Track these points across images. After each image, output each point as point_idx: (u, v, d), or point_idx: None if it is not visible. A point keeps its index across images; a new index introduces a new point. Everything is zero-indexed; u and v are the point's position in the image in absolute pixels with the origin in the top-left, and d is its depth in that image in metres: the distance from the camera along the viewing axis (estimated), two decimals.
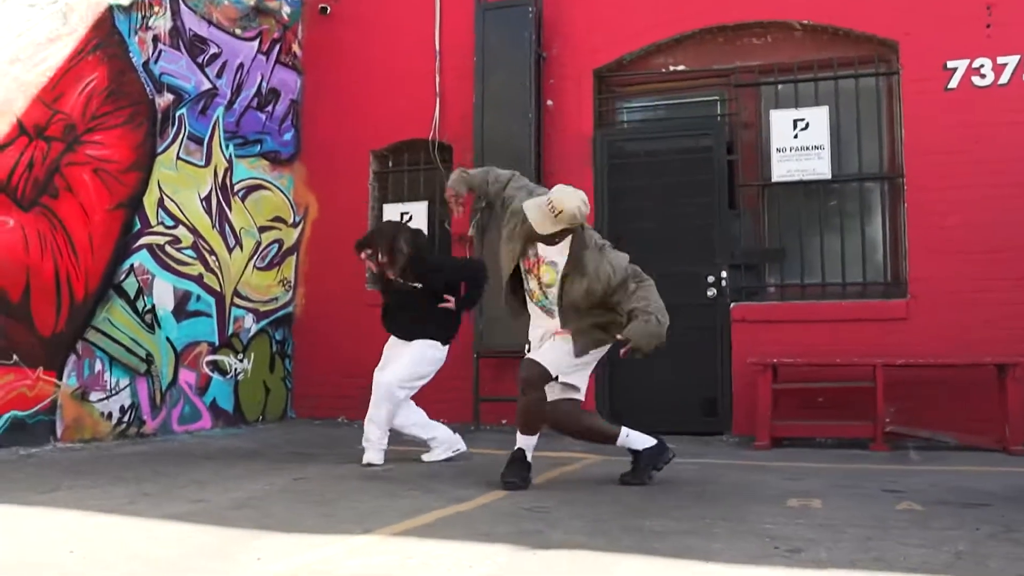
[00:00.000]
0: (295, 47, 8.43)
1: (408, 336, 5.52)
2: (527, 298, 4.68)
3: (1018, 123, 6.47)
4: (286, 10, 8.19)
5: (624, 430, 4.68)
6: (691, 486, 4.66)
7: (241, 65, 7.77)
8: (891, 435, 6.18)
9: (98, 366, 6.43)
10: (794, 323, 6.88)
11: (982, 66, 6.59)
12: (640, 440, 4.69)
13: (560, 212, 4.26)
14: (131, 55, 6.69)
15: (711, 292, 7.08)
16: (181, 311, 7.13)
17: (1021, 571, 2.89)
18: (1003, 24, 6.58)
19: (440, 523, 3.66)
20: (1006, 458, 5.82)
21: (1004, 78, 6.52)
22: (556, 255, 4.47)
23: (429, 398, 7.68)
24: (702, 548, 3.17)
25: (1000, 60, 6.55)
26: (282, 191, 8.27)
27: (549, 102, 7.69)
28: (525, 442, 4.59)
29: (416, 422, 5.58)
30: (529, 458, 4.60)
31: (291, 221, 8.34)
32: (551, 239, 4.39)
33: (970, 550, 3.16)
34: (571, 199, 4.28)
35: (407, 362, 5.42)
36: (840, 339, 6.69)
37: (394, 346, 5.61)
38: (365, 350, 7.67)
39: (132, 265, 6.71)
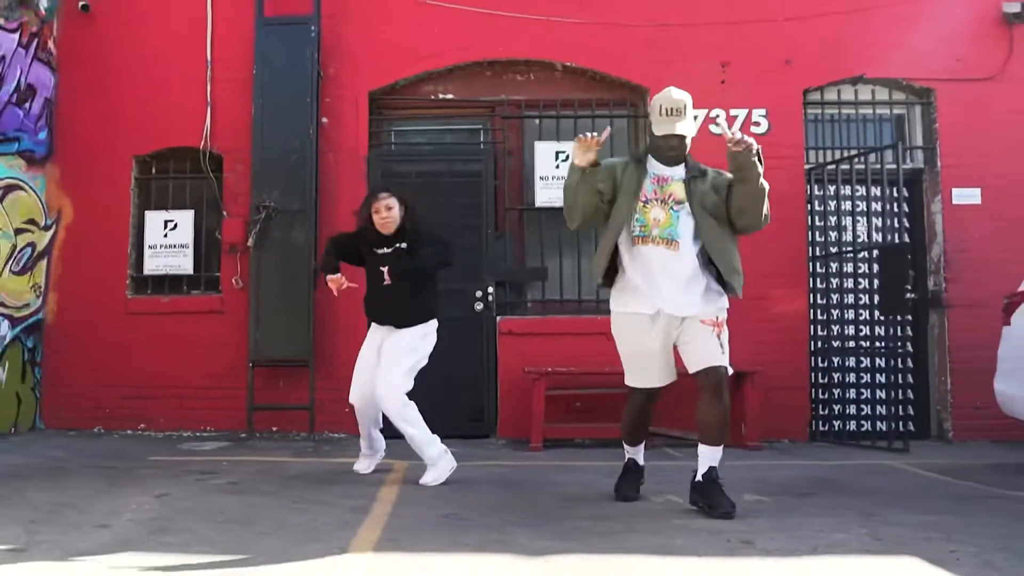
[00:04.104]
0: (51, 44, 7.88)
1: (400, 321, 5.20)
2: (627, 249, 4.28)
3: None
4: (44, 3, 7.66)
5: None
6: (543, 489, 4.96)
7: (3, 57, 7.18)
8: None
9: None
10: (551, 336, 7.48)
11: (717, 116, 7.66)
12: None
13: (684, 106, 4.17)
14: None
15: (478, 306, 7.53)
16: None
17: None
18: (733, 83, 7.71)
19: (399, 534, 3.66)
20: (747, 452, 6.70)
21: (735, 127, 7.56)
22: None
23: (202, 406, 7.44)
24: (681, 547, 3.49)
25: (732, 112, 7.68)
26: (36, 192, 7.67)
27: (324, 120, 7.80)
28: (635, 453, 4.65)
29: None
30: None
31: (43, 224, 7.75)
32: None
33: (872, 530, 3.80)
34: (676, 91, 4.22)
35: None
36: (582, 351, 7.20)
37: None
38: (124, 359, 7.44)
39: None
